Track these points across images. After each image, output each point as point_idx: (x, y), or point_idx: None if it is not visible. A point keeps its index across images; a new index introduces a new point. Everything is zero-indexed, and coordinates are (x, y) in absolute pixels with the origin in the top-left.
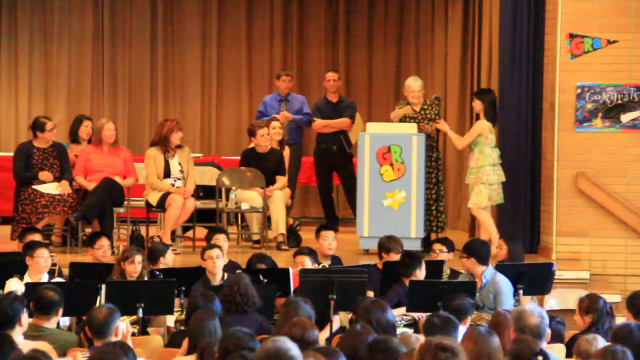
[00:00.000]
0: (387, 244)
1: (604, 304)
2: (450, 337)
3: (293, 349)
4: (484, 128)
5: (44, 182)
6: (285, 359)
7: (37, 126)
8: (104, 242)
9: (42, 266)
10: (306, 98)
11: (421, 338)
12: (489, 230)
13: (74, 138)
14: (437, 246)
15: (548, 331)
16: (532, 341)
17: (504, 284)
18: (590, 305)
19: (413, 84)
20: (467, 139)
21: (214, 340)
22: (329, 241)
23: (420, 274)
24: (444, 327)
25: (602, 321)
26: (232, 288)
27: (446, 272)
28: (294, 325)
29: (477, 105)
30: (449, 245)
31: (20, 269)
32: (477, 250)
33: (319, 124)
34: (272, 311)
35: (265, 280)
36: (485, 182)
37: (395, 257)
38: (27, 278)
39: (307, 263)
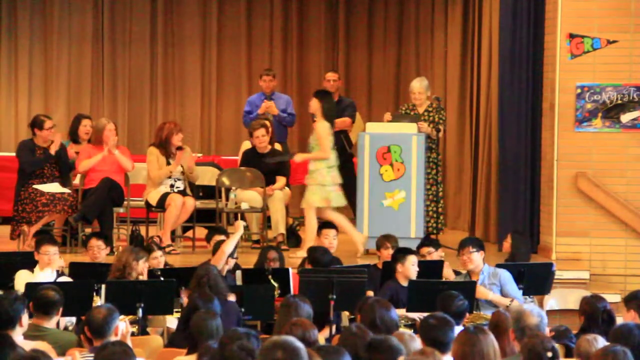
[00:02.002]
0: (378, 241)
1: (602, 309)
2: (446, 337)
3: (298, 342)
4: (327, 129)
5: (44, 182)
6: (292, 348)
7: (35, 123)
8: (95, 242)
9: (45, 263)
10: (302, 98)
11: (415, 336)
12: (309, 232)
13: (74, 138)
14: (425, 249)
15: (547, 331)
16: (545, 337)
17: (505, 274)
18: (585, 307)
19: (414, 85)
20: (326, 145)
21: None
22: (330, 239)
23: (402, 267)
24: (440, 327)
25: (595, 325)
26: (201, 280)
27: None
28: (295, 325)
29: (315, 105)
30: (436, 244)
31: (22, 268)
32: (483, 243)
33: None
34: (272, 311)
35: (273, 281)
36: (319, 183)
37: (388, 253)
38: (37, 271)
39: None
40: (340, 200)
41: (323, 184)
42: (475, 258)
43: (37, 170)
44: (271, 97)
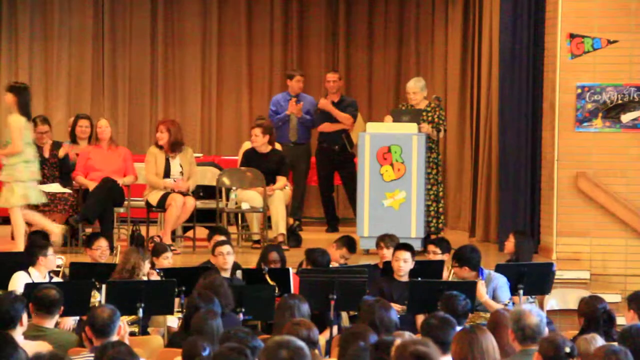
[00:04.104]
0: (378, 240)
1: (602, 310)
2: (447, 336)
3: (300, 341)
4: (20, 123)
5: (45, 183)
6: (296, 347)
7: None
8: (102, 243)
9: (54, 264)
10: (314, 99)
11: (415, 336)
12: (17, 231)
13: (73, 138)
14: (431, 247)
15: (546, 330)
16: (563, 337)
17: (501, 277)
18: (584, 309)
19: (409, 85)
20: (17, 140)
21: (204, 337)
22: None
23: (392, 263)
24: (442, 327)
25: (595, 326)
26: (212, 290)
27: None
28: (298, 325)
29: (10, 98)
30: (444, 247)
31: (21, 268)
32: (469, 258)
33: (324, 103)
34: (272, 311)
35: (272, 282)
36: (18, 179)
37: (387, 252)
38: (35, 272)
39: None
40: (39, 197)
41: (21, 180)
42: (457, 271)
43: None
44: (297, 97)
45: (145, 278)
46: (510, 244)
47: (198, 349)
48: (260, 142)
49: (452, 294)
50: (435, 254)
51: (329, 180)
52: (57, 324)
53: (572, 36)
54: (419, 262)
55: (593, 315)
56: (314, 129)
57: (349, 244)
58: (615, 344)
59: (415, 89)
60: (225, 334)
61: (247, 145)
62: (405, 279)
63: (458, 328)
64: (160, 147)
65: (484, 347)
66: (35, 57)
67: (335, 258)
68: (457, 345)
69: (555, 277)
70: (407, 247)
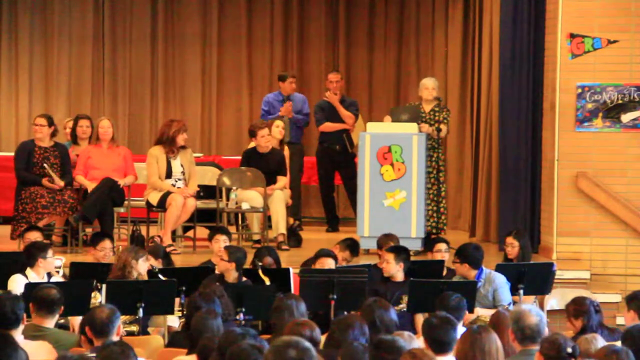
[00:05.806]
0: (379, 241)
1: (590, 304)
2: (448, 336)
3: (307, 342)
4: None
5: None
6: (304, 347)
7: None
8: (106, 244)
9: (53, 266)
10: (306, 98)
11: (414, 336)
12: None
13: (74, 139)
14: (442, 246)
15: (546, 330)
16: (565, 337)
17: (500, 278)
18: (577, 309)
19: (428, 82)
20: None
21: (215, 337)
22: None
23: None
24: (442, 326)
25: (592, 322)
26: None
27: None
28: (301, 325)
29: None
30: (447, 244)
31: (20, 268)
32: (471, 255)
33: (332, 98)
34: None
35: (268, 282)
36: None
37: None
38: (32, 274)
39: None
40: None
41: None
42: (458, 267)
43: (38, 171)
44: (289, 97)
45: (144, 276)
46: (514, 249)
47: (214, 346)
48: (270, 141)
49: (445, 293)
50: (447, 251)
51: (330, 180)
52: (67, 326)
53: (572, 36)
54: (419, 262)
55: (589, 312)
56: (308, 128)
57: (352, 247)
58: (617, 343)
59: (434, 85)
60: (224, 335)
61: (252, 146)
62: (398, 279)
63: (461, 328)
64: (167, 147)
65: (487, 349)
66: (35, 57)
67: (338, 260)
68: (460, 345)
69: (555, 277)
70: (393, 249)
